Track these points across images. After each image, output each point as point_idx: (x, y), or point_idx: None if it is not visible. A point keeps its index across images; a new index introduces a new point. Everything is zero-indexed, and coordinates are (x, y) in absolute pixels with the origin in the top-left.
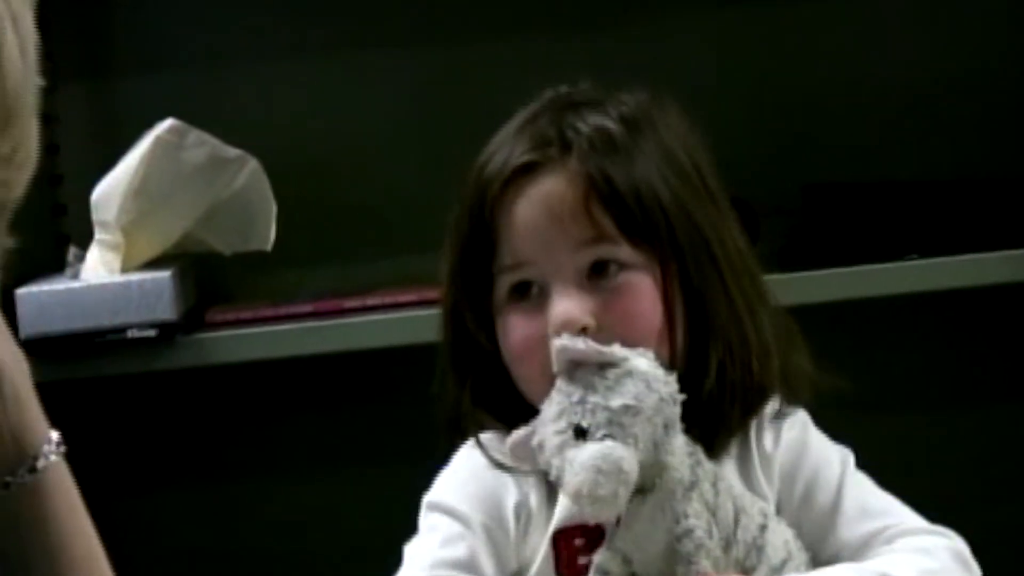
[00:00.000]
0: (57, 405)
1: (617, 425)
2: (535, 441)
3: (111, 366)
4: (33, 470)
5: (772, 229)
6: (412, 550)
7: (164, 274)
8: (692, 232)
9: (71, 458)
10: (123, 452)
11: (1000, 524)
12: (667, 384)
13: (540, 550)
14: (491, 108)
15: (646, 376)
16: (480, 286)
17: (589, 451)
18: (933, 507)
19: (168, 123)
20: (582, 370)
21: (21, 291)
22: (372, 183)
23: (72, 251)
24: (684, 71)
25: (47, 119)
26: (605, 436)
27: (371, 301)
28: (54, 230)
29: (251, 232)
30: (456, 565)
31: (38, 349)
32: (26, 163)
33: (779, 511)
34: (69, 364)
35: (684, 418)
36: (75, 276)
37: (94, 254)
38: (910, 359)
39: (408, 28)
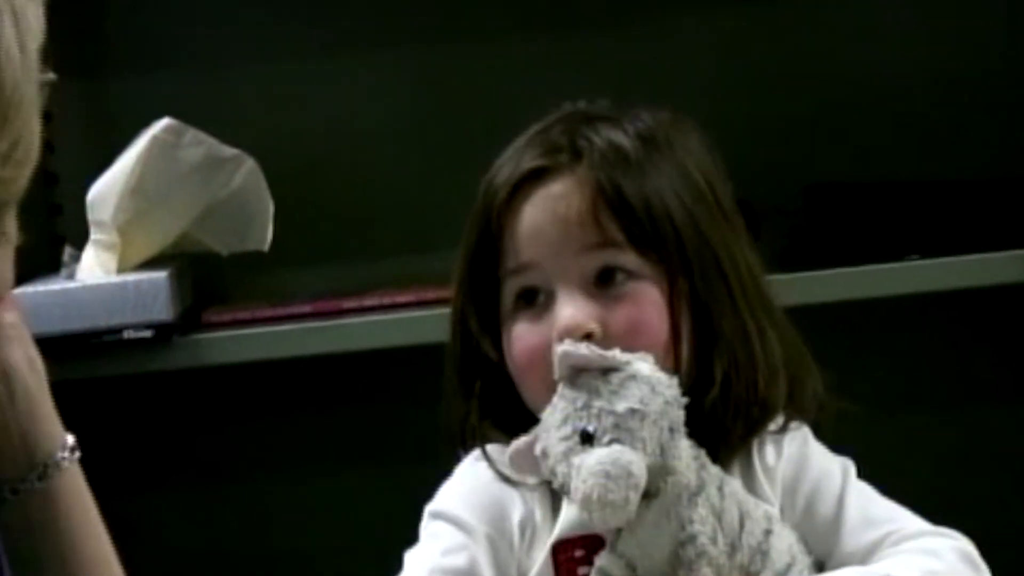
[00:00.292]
0: (54, 405)
1: (624, 429)
2: (539, 449)
3: (107, 367)
4: (44, 476)
5: (773, 229)
6: (412, 557)
7: (160, 274)
8: (702, 247)
9: None
10: (120, 453)
11: (1006, 526)
12: (670, 387)
13: (537, 562)
14: (490, 108)
15: (649, 380)
16: (487, 294)
17: (597, 456)
18: (937, 509)
19: (164, 122)
20: (585, 376)
21: (16, 291)
22: (370, 183)
23: (68, 251)
24: (685, 71)
25: (42, 118)
26: (612, 441)
27: (369, 301)
28: (49, 230)
29: (248, 232)
30: (456, 574)
31: None
32: (26, 160)
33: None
34: (65, 365)
35: (688, 431)
36: (71, 276)
37: (90, 254)
38: (912, 360)
39: (406, 28)
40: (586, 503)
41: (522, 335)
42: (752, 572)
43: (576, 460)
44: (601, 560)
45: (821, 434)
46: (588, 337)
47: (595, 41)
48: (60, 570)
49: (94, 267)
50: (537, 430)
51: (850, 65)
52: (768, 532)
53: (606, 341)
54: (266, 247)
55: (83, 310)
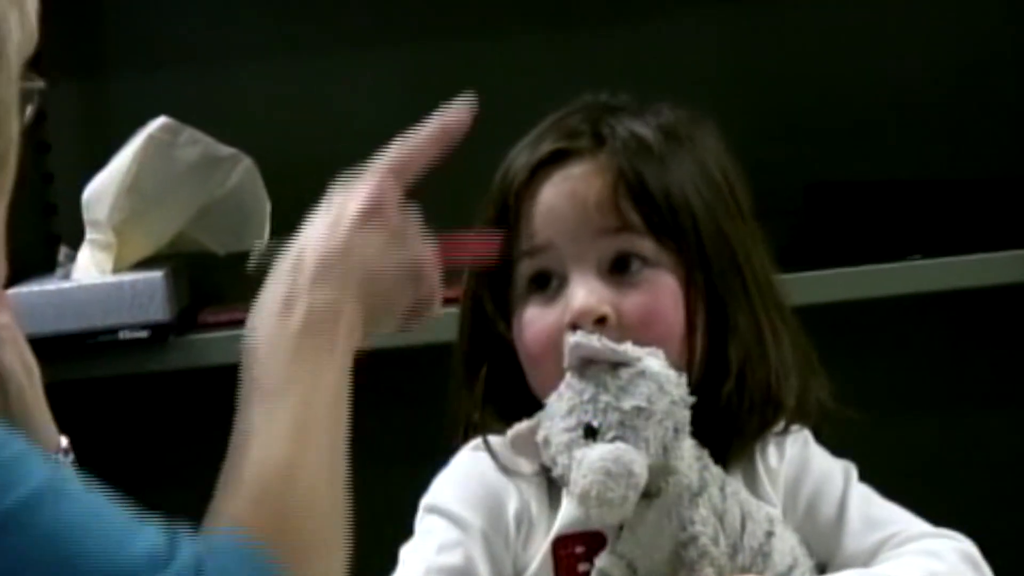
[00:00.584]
0: (50, 406)
1: (629, 427)
2: (540, 436)
3: (103, 368)
4: None
5: (774, 229)
6: (408, 554)
7: (157, 274)
8: (720, 241)
9: None
10: (115, 455)
11: (1008, 527)
12: (679, 386)
13: (537, 558)
14: (489, 106)
15: (658, 378)
16: (501, 276)
17: (599, 452)
18: (940, 510)
19: (161, 121)
20: (594, 368)
21: (11, 292)
22: None
23: (63, 251)
24: (686, 69)
25: (37, 117)
26: (615, 437)
27: None
28: (45, 230)
29: (245, 231)
30: (452, 572)
31: None
32: (12, 164)
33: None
34: (60, 365)
35: (700, 425)
36: (66, 276)
37: (85, 254)
38: (914, 361)
39: (405, 26)
40: (584, 499)
41: (534, 319)
42: (754, 574)
43: (578, 453)
44: (601, 561)
45: (822, 436)
46: (601, 322)
47: (595, 39)
48: None
49: (90, 267)
50: (541, 416)
51: (852, 64)
52: (770, 534)
53: (619, 328)
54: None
55: (79, 310)
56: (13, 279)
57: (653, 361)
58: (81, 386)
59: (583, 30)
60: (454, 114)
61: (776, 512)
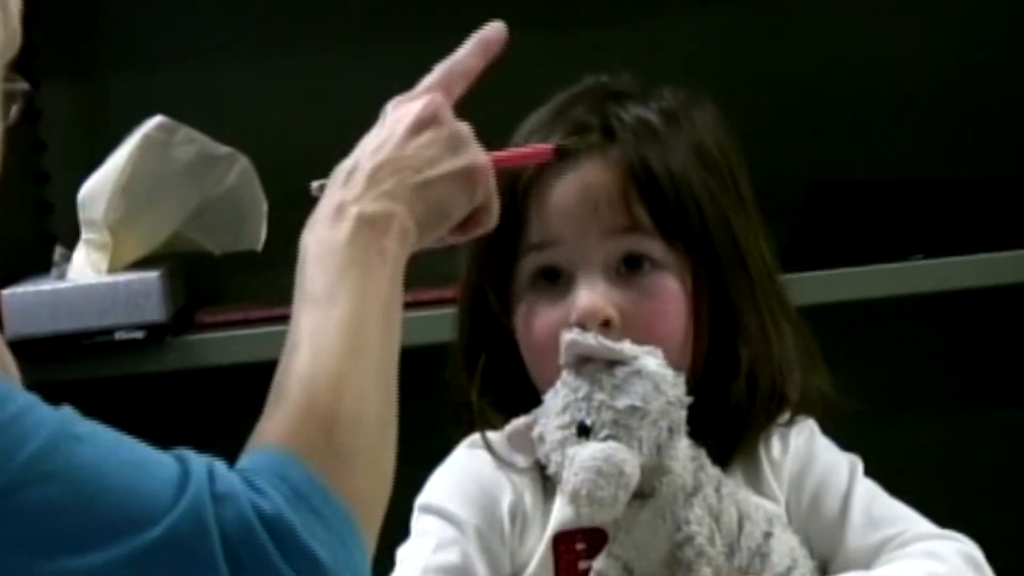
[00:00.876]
0: None
1: (622, 426)
2: (536, 432)
3: (98, 368)
4: None
5: (775, 228)
6: (404, 554)
7: (152, 274)
8: (728, 240)
9: None
10: None
11: (1011, 528)
12: (675, 386)
13: (536, 553)
14: (487, 105)
15: (655, 377)
16: (504, 267)
17: (591, 450)
18: (942, 512)
19: (157, 120)
20: (590, 365)
21: (6, 292)
22: None
23: (58, 251)
24: (686, 67)
25: (32, 116)
26: (608, 436)
27: None
28: (40, 229)
29: (242, 231)
30: (449, 571)
31: (23, 351)
32: None
33: (787, 519)
34: (55, 366)
35: (705, 423)
36: (61, 276)
37: (81, 254)
38: (916, 361)
39: (401, 24)
40: (574, 497)
41: (539, 315)
42: (752, 574)
43: (570, 451)
44: (598, 564)
45: (825, 433)
46: (606, 324)
47: (594, 38)
48: None
49: (85, 267)
50: (537, 412)
51: (852, 62)
52: (768, 534)
53: (623, 330)
54: (260, 247)
55: (74, 310)
56: (8, 279)
57: (650, 360)
58: (76, 387)
59: (582, 29)
60: (491, 29)
61: (776, 511)
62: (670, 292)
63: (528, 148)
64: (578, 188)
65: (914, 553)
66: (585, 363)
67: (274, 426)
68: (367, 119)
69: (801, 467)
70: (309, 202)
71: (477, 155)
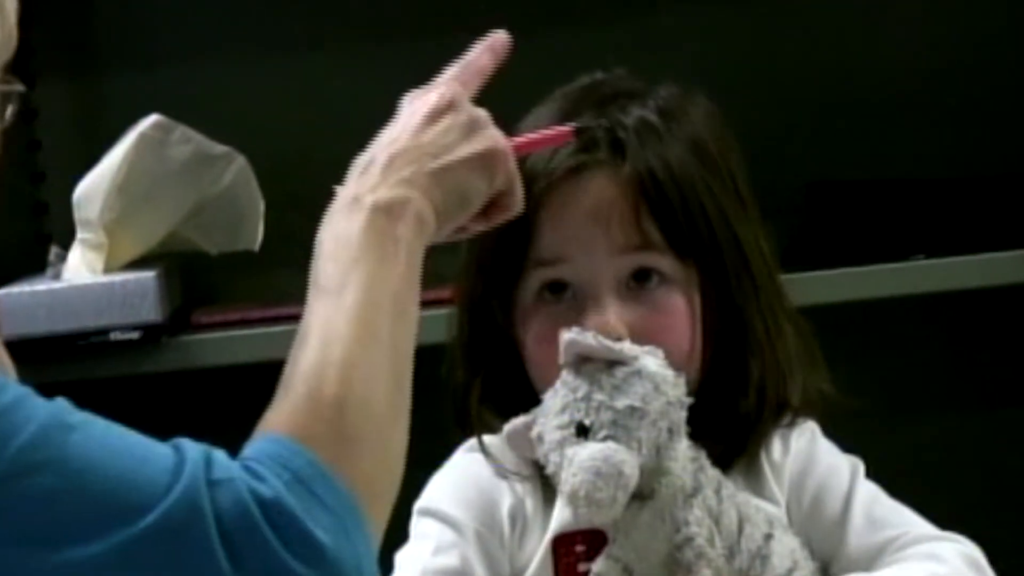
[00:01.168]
0: None
1: (621, 427)
2: (534, 432)
3: (94, 369)
4: None
5: (775, 228)
6: (403, 558)
7: (148, 274)
8: (733, 246)
9: None
10: None
11: (1013, 530)
12: (675, 387)
13: (536, 556)
14: (483, 103)
15: (654, 378)
16: (510, 280)
17: (590, 451)
18: (945, 513)
19: (153, 119)
20: (589, 365)
21: (1, 292)
22: None
23: (54, 251)
24: (686, 67)
25: (28, 115)
26: (607, 437)
27: None
28: (35, 229)
29: (238, 231)
30: (448, 574)
31: (18, 351)
32: None
33: (788, 521)
34: (50, 367)
35: (710, 430)
36: (57, 276)
37: (76, 254)
38: (917, 362)
39: (399, 22)
40: (573, 498)
41: (546, 329)
42: None
43: (569, 452)
44: (597, 566)
45: (827, 434)
46: (616, 340)
47: (594, 36)
48: None
49: (80, 267)
50: (536, 412)
51: (854, 61)
52: (768, 537)
53: (632, 343)
54: (257, 246)
55: (69, 311)
56: (3, 279)
57: (650, 360)
58: (72, 388)
59: (581, 27)
60: (495, 37)
61: (777, 513)
62: (678, 305)
63: (549, 132)
64: (589, 205)
65: (915, 555)
66: (584, 363)
67: (278, 414)
68: (364, 118)
69: (802, 469)
70: (305, 202)
71: (495, 139)
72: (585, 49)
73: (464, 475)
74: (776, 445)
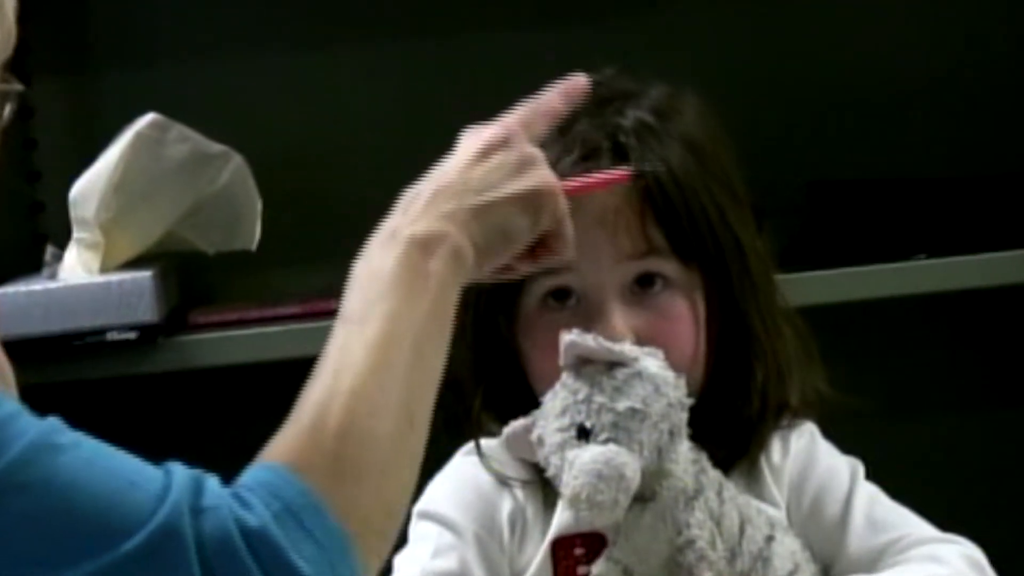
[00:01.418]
0: (34, 410)
1: (622, 429)
2: (534, 435)
3: (90, 369)
4: None
5: (776, 228)
6: (402, 561)
7: (145, 274)
8: (733, 247)
9: None
10: None
11: (1016, 531)
12: (676, 388)
13: (535, 560)
14: (481, 102)
15: (655, 379)
16: (514, 287)
17: (591, 454)
18: (946, 514)
19: (149, 118)
20: (590, 367)
21: None
22: (361, 179)
23: (50, 250)
24: (687, 66)
25: (24, 114)
26: (608, 439)
27: None
28: (31, 228)
29: (235, 230)
30: None
31: (14, 352)
32: None
33: (788, 523)
34: (46, 367)
35: (712, 433)
36: (53, 276)
37: (72, 253)
38: (919, 362)
39: (396, 20)
40: (574, 501)
41: (551, 337)
42: None
43: (570, 455)
44: (597, 568)
45: (827, 435)
46: None
47: (593, 35)
48: None
49: (76, 266)
50: (536, 414)
51: (855, 60)
52: (770, 538)
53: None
54: (254, 246)
55: (65, 311)
56: None
57: (651, 361)
58: (68, 388)
59: (581, 25)
60: (574, 80)
61: (778, 515)
62: (682, 310)
63: (602, 175)
64: (594, 213)
65: (916, 557)
66: (585, 364)
67: (280, 441)
68: (362, 117)
69: (802, 471)
70: (303, 201)
71: (545, 179)
72: (585, 48)
73: (463, 478)
74: (775, 447)
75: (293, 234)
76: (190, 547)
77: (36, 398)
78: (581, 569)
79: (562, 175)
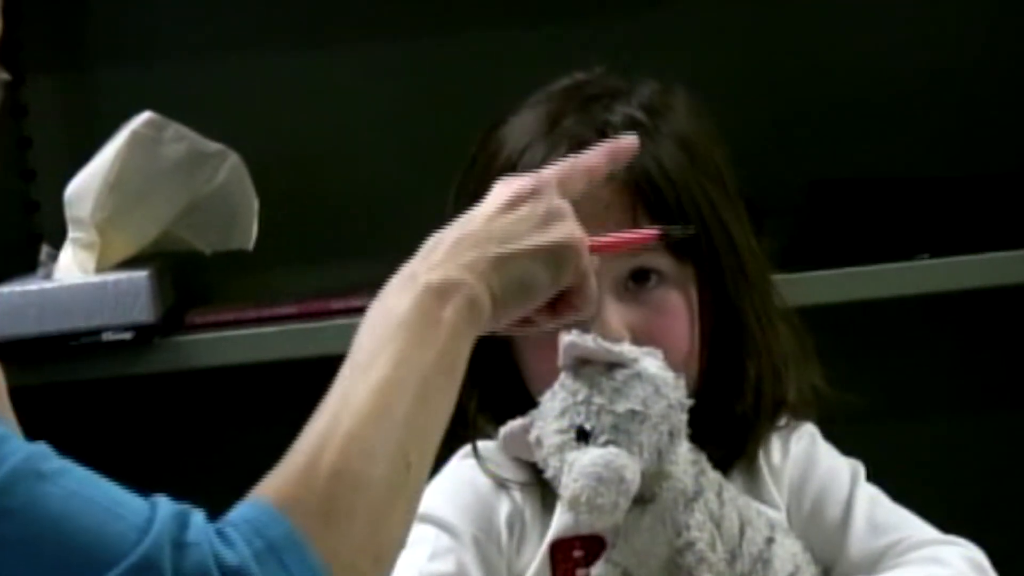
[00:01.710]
0: (29, 411)
1: (622, 432)
2: (533, 435)
3: (85, 370)
4: None
5: (777, 227)
6: (399, 563)
7: (141, 274)
8: (727, 244)
9: None
10: (98, 460)
11: (1016, 532)
12: (676, 389)
13: (534, 563)
14: (478, 101)
15: (655, 380)
16: None
17: (591, 457)
18: (947, 515)
19: (145, 116)
20: (589, 368)
21: None
22: (358, 179)
23: (45, 250)
24: (688, 65)
25: (18, 111)
26: (608, 442)
27: (357, 302)
28: (26, 228)
29: (232, 230)
30: None
31: (9, 352)
32: None
33: (788, 525)
34: (41, 368)
35: (708, 432)
36: (48, 276)
37: (68, 253)
38: (922, 363)
39: (394, 19)
40: (574, 504)
41: (546, 336)
42: None
43: (569, 457)
44: (597, 570)
45: (829, 436)
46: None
47: (593, 33)
48: None
49: (72, 266)
50: (534, 414)
51: (857, 59)
52: (770, 540)
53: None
54: (251, 246)
55: (61, 311)
56: None
57: (650, 362)
58: (63, 389)
59: (581, 23)
60: (625, 140)
61: (778, 517)
62: (677, 305)
63: (631, 234)
64: (585, 210)
65: (918, 559)
66: (583, 365)
67: (272, 479)
68: (359, 116)
69: (802, 473)
70: (300, 200)
71: (570, 233)
72: (584, 46)
73: (461, 481)
74: (775, 449)
75: (290, 234)
76: None
77: (31, 399)
78: (580, 571)
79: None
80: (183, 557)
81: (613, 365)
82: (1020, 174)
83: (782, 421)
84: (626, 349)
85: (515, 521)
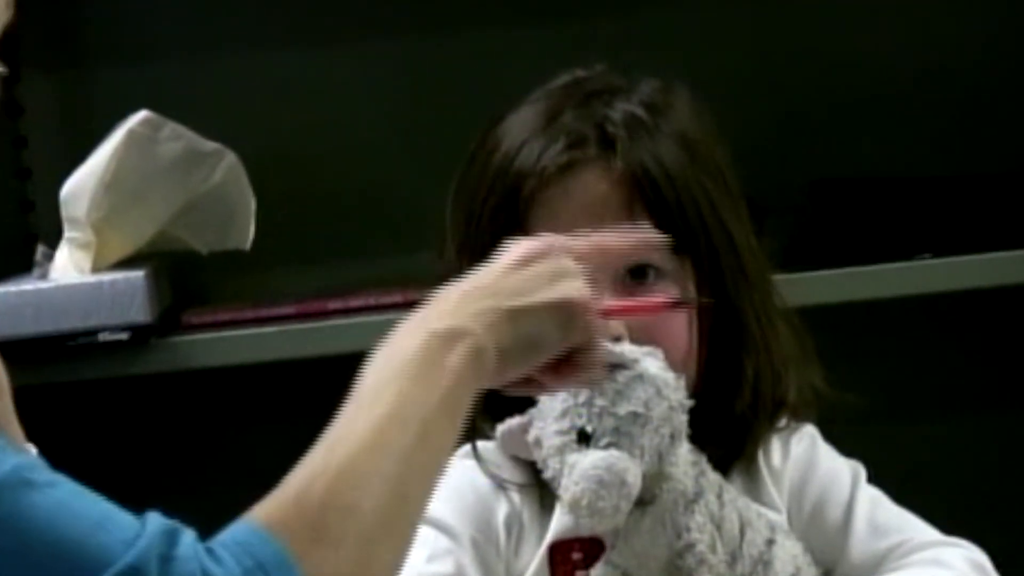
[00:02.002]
0: (25, 411)
1: (624, 434)
2: (532, 436)
3: (82, 370)
4: None
5: (778, 226)
6: None
7: (138, 274)
8: (726, 242)
9: None
10: (94, 461)
11: (1017, 533)
12: (677, 390)
13: (532, 564)
14: (478, 101)
15: (656, 381)
16: None
17: (592, 459)
18: (947, 516)
19: (142, 115)
20: None
21: None
22: (356, 179)
23: (40, 250)
24: (688, 64)
25: (14, 110)
26: (610, 444)
27: (355, 302)
28: (22, 227)
29: (229, 230)
30: None
31: (4, 352)
32: None
33: (789, 527)
34: (37, 368)
35: (707, 432)
36: (44, 276)
37: (64, 253)
38: (923, 363)
39: (393, 18)
40: (575, 507)
41: None
42: None
43: (570, 459)
44: (596, 572)
45: (830, 436)
46: (615, 340)
47: (593, 31)
48: None
49: (68, 266)
50: (532, 413)
51: (858, 58)
52: (771, 542)
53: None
54: (248, 245)
55: (57, 311)
56: None
57: (651, 363)
58: (59, 390)
59: (581, 23)
60: (647, 232)
61: (778, 519)
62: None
63: (643, 301)
64: (582, 202)
65: (920, 561)
66: None
67: (264, 504)
68: (357, 116)
69: (802, 475)
70: (297, 200)
71: (577, 291)
72: (584, 44)
73: (460, 482)
74: (775, 451)
75: (288, 233)
76: None
77: (27, 400)
78: (579, 573)
79: (548, 163)
80: (170, 570)
81: (614, 366)
82: (1021, 174)
83: (782, 423)
84: (627, 350)
85: (513, 522)
